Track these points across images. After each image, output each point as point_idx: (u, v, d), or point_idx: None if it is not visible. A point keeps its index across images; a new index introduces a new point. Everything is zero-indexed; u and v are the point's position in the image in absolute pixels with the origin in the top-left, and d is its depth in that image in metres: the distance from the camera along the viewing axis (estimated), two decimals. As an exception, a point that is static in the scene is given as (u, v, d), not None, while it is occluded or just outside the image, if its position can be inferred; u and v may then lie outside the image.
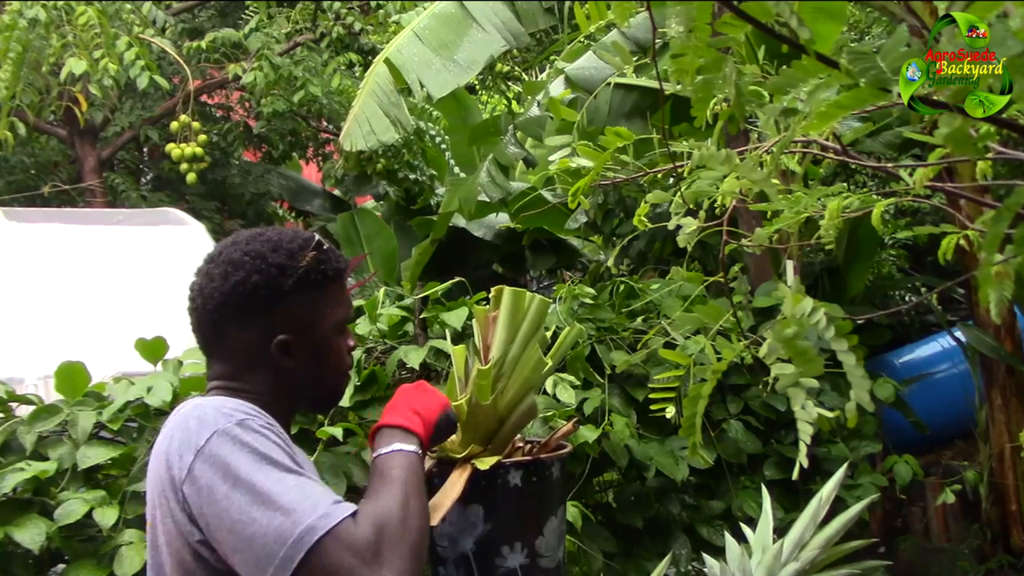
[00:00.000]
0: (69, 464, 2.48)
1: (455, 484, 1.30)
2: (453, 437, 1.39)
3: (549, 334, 1.48)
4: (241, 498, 1.09)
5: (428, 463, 1.36)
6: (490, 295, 1.42)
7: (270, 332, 1.26)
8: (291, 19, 6.50)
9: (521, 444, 1.43)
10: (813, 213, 1.47)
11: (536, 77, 7.83)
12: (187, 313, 1.31)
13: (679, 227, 1.48)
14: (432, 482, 1.34)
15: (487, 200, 4.85)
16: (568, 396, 2.81)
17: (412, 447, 1.22)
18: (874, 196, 1.54)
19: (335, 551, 1.07)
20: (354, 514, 1.11)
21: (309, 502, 1.09)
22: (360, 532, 1.09)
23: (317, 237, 1.31)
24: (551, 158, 1.66)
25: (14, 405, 2.64)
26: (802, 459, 1.38)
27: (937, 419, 4.42)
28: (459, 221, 6.11)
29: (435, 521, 1.26)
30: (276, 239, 1.30)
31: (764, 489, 2.21)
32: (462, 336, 2.90)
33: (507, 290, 1.38)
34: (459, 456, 1.34)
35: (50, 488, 2.47)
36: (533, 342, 1.37)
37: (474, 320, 1.41)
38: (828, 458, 3.50)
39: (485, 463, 1.31)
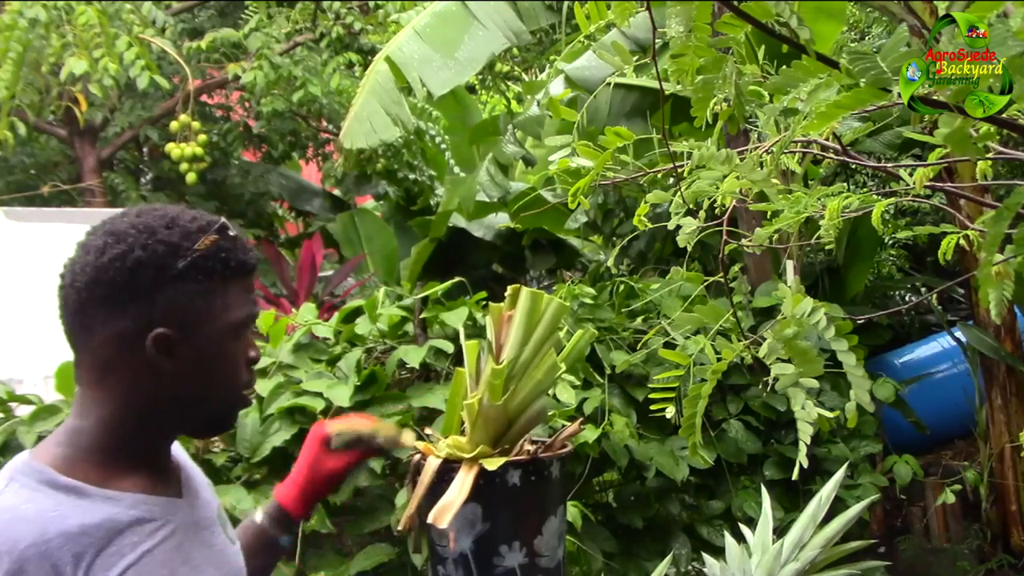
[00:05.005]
0: (69, 464, 2.48)
1: (463, 484, 1.30)
2: (461, 437, 1.38)
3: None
4: None
5: (436, 463, 1.36)
6: (505, 294, 1.41)
7: (148, 323, 1.03)
8: (291, 19, 6.50)
9: (530, 446, 1.42)
10: (813, 213, 1.47)
11: (536, 77, 7.83)
12: (56, 294, 1.07)
13: (679, 227, 1.47)
14: (439, 482, 1.33)
15: (487, 200, 4.86)
16: (568, 396, 2.81)
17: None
18: (874, 196, 1.54)
19: None
20: None
21: None
22: None
23: (224, 221, 1.10)
24: (551, 158, 1.65)
25: (14, 405, 2.64)
26: (802, 459, 1.38)
27: (937, 419, 4.42)
28: (459, 221, 6.11)
29: (444, 523, 1.26)
30: (174, 215, 1.08)
31: (764, 489, 2.21)
32: (458, 336, 2.90)
33: (524, 290, 1.38)
34: (467, 456, 1.34)
35: (50, 488, 2.46)
36: (548, 345, 1.36)
37: (488, 317, 1.40)
38: (828, 458, 3.50)
39: (493, 463, 1.31)
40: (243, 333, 1.12)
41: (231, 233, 1.10)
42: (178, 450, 1.18)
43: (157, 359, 1.04)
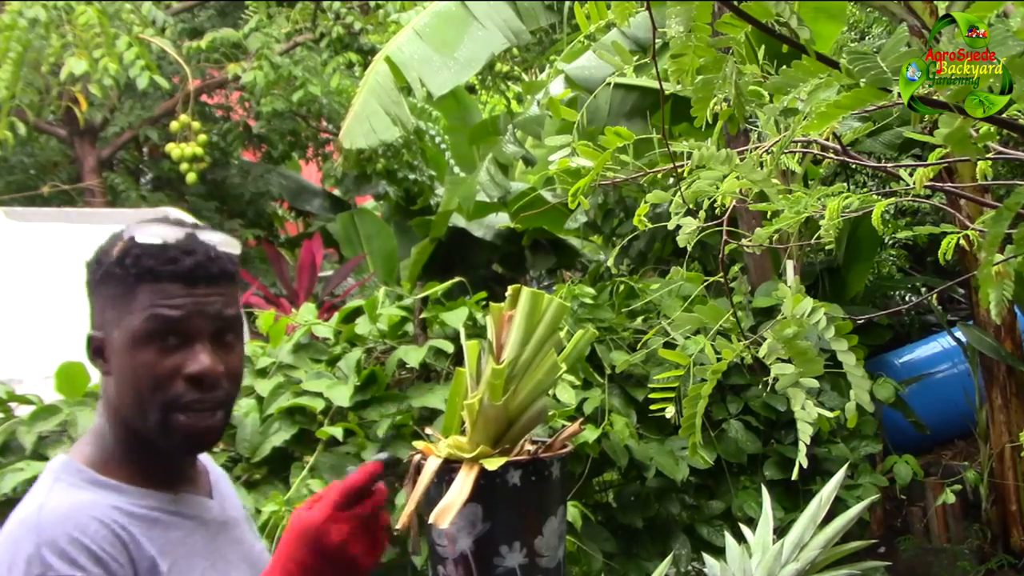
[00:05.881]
0: (69, 464, 2.48)
1: (464, 484, 1.29)
2: (461, 437, 1.38)
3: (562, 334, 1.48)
4: None
5: (436, 463, 1.36)
6: (506, 294, 1.41)
7: (90, 328, 1.13)
8: (291, 19, 6.50)
9: (530, 446, 1.42)
10: (813, 213, 1.47)
11: (536, 77, 7.82)
12: None
13: (679, 227, 1.47)
14: (438, 483, 1.33)
15: (487, 200, 4.86)
16: (568, 396, 2.81)
17: None
18: (874, 196, 1.54)
19: None
20: None
21: None
22: None
23: (140, 228, 1.09)
24: (551, 158, 1.65)
25: (14, 405, 2.64)
26: (802, 459, 1.38)
27: (937, 419, 4.42)
28: (459, 221, 6.11)
29: (445, 524, 1.26)
30: (119, 233, 1.13)
31: (764, 489, 2.21)
32: (458, 336, 2.89)
33: (525, 290, 1.37)
34: (467, 456, 1.33)
35: (50, 488, 2.46)
36: (549, 345, 1.36)
37: (488, 317, 1.40)
38: (828, 458, 3.50)
39: (493, 463, 1.31)
40: (159, 341, 1.07)
41: (145, 241, 1.08)
42: (205, 456, 1.23)
43: (95, 361, 1.11)
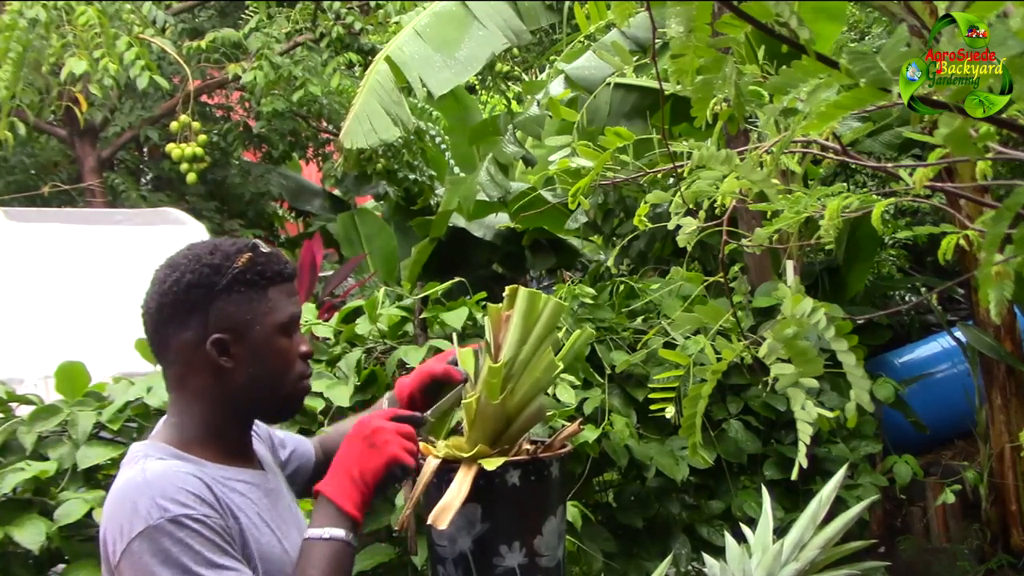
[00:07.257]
0: (69, 464, 2.48)
1: (463, 484, 1.30)
2: (460, 437, 1.38)
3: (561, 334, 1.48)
4: None
5: (435, 463, 1.36)
6: (504, 294, 1.41)
7: (206, 332, 1.27)
8: (291, 19, 6.49)
9: (529, 446, 1.42)
10: (813, 213, 1.47)
11: (536, 77, 7.82)
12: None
13: (679, 227, 1.47)
14: (437, 483, 1.33)
15: (487, 200, 4.86)
16: (568, 396, 2.81)
17: (341, 532, 1.24)
18: (874, 196, 1.54)
19: None
20: None
21: None
22: None
23: (255, 242, 1.34)
24: (551, 158, 1.65)
25: (14, 405, 2.64)
26: (802, 459, 1.38)
27: (937, 419, 4.42)
28: (459, 221, 6.11)
29: (444, 524, 1.26)
30: (216, 244, 1.33)
31: (764, 489, 2.21)
32: (463, 337, 2.89)
33: (522, 290, 1.38)
34: (466, 456, 1.33)
35: (50, 488, 2.47)
36: (546, 344, 1.36)
37: (486, 318, 1.40)
38: (828, 458, 3.50)
39: (492, 463, 1.31)
40: (291, 331, 1.33)
41: (264, 250, 1.33)
42: None
43: (218, 359, 1.27)
